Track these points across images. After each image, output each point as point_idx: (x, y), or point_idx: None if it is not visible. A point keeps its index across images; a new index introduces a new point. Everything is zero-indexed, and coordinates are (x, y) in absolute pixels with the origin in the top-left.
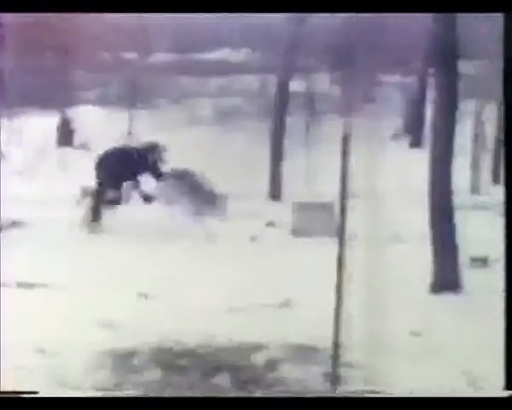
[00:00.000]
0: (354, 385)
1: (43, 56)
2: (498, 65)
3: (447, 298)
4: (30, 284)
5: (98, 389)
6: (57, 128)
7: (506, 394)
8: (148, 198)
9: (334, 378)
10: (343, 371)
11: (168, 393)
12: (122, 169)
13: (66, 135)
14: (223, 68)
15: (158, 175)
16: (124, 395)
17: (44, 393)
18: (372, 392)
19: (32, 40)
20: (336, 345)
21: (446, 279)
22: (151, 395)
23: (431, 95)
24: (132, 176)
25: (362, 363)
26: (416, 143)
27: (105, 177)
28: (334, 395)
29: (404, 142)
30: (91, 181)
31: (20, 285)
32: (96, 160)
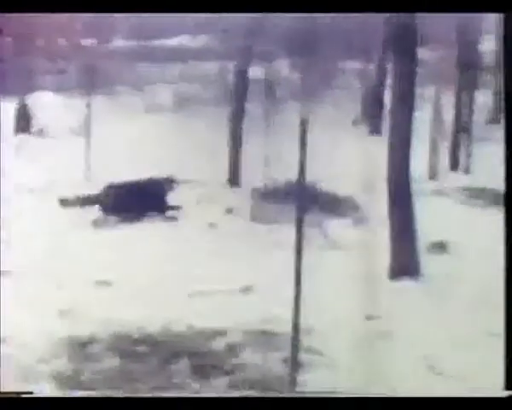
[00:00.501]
0: (314, 371)
1: (0, 42)
2: (455, 51)
3: (405, 284)
4: None
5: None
6: (15, 114)
7: (506, 394)
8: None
9: (294, 364)
10: (303, 357)
11: (126, 379)
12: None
13: (23, 121)
14: (182, 55)
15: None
16: (123, 396)
17: (44, 393)
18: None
19: None
20: (296, 330)
21: (405, 265)
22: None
23: (390, 82)
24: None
25: (321, 349)
26: (375, 129)
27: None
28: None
29: (364, 128)
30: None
31: None
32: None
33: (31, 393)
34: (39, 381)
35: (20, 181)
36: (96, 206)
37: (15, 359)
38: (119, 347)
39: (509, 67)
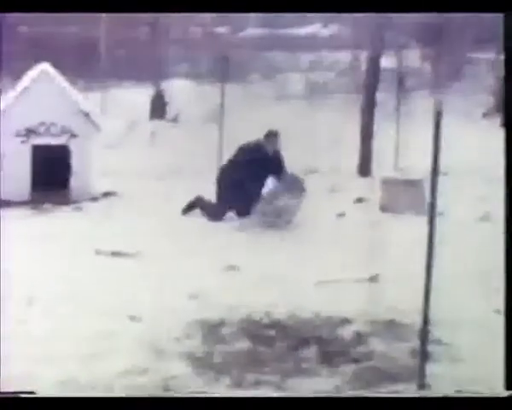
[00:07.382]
0: (442, 363)
1: (136, 30)
2: None
3: None
4: (123, 253)
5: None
6: (151, 101)
7: (506, 394)
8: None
9: (423, 355)
10: (431, 349)
11: (255, 362)
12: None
13: (159, 108)
14: (313, 43)
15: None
16: (124, 396)
17: (44, 393)
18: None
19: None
20: (425, 321)
21: None
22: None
23: None
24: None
25: (450, 341)
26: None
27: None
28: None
29: (496, 120)
30: (181, 154)
31: (114, 254)
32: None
33: (33, 393)
34: (172, 359)
35: (154, 164)
36: None
37: (148, 337)
38: (249, 331)
39: (508, 67)
